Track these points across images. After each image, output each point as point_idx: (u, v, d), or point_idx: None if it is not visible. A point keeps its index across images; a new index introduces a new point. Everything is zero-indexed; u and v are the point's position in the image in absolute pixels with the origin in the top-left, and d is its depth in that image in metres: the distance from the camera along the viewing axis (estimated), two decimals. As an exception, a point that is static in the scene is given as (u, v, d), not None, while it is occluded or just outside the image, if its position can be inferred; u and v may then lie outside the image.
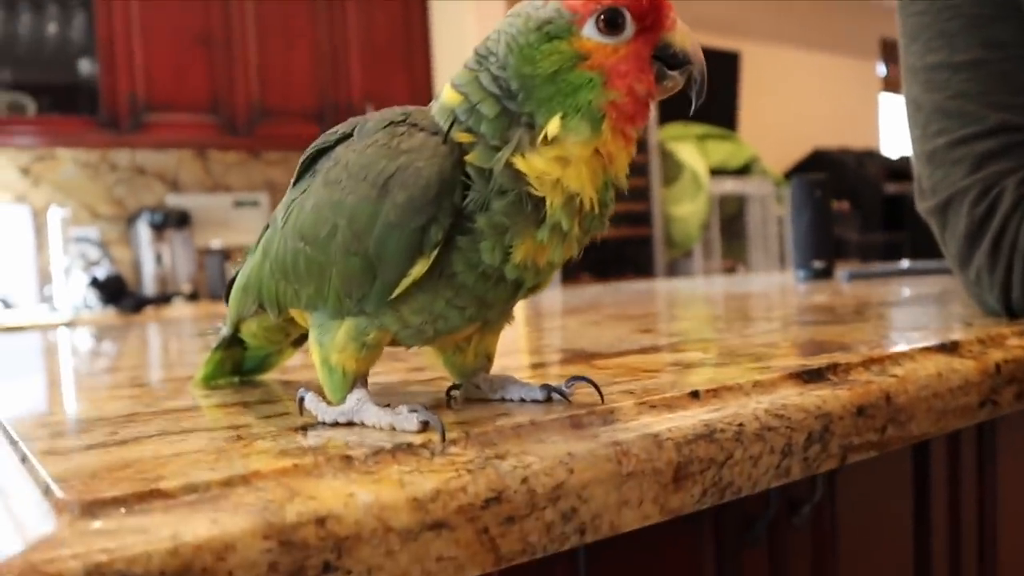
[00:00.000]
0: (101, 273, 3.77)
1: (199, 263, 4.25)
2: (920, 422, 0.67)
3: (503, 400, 0.58)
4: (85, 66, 3.79)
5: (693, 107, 0.53)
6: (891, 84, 7.72)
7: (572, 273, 4.33)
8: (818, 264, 2.01)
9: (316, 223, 0.52)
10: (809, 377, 0.63)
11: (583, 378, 0.56)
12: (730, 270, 5.34)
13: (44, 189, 4.01)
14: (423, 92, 4.57)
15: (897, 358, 0.70)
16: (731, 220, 5.49)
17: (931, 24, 0.98)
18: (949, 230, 0.97)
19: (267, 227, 0.60)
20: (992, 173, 0.93)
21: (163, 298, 3.94)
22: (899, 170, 6.28)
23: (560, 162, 0.49)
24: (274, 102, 4.15)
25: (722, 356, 0.76)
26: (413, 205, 0.49)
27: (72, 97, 3.79)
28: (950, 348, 0.75)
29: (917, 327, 1.01)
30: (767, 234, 5.50)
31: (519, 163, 0.49)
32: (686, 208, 5.07)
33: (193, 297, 4.08)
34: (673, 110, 4.55)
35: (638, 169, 4.88)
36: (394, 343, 0.55)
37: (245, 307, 0.62)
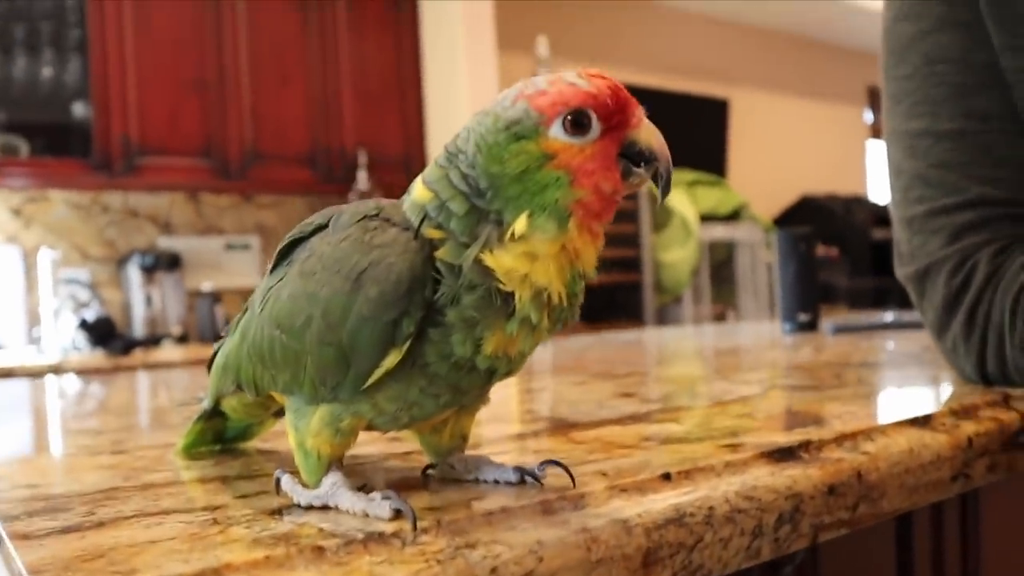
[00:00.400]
0: (90, 315, 3.77)
1: (190, 305, 4.25)
2: (892, 498, 0.68)
3: (477, 481, 0.59)
4: (79, 109, 3.81)
5: (659, 202, 0.54)
6: (878, 131, 7.78)
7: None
8: (803, 317, 2.03)
9: (292, 313, 0.54)
10: (781, 456, 0.64)
11: (555, 462, 0.57)
12: (720, 316, 5.37)
13: (35, 230, 4.02)
14: (415, 136, 4.61)
15: (869, 433, 0.71)
16: (720, 266, 5.52)
17: (916, 90, 0.99)
18: (927, 299, 0.98)
19: (245, 310, 0.61)
20: (969, 245, 0.94)
21: (152, 340, 3.93)
22: (887, 216, 6.30)
23: (528, 258, 0.50)
24: (267, 146, 4.18)
25: (699, 428, 0.77)
26: (385, 299, 0.50)
27: (65, 139, 3.81)
28: (922, 422, 0.76)
29: (893, 394, 1.02)
30: (756, 280, 5.53)
31: (488, 259, 0.50)
32: (676, 254, 5.10)
33: (183, 339, 4.07)
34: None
35: (628, 215, 4.92)
36: (370, 427, 0.56)
37: (224, 385, 0.64)
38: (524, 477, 0.57)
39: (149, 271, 4.05)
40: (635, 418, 0.83)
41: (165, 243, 4.29)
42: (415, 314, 0.50)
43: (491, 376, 0.54)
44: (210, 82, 4.05)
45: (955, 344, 0.95)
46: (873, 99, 7.70)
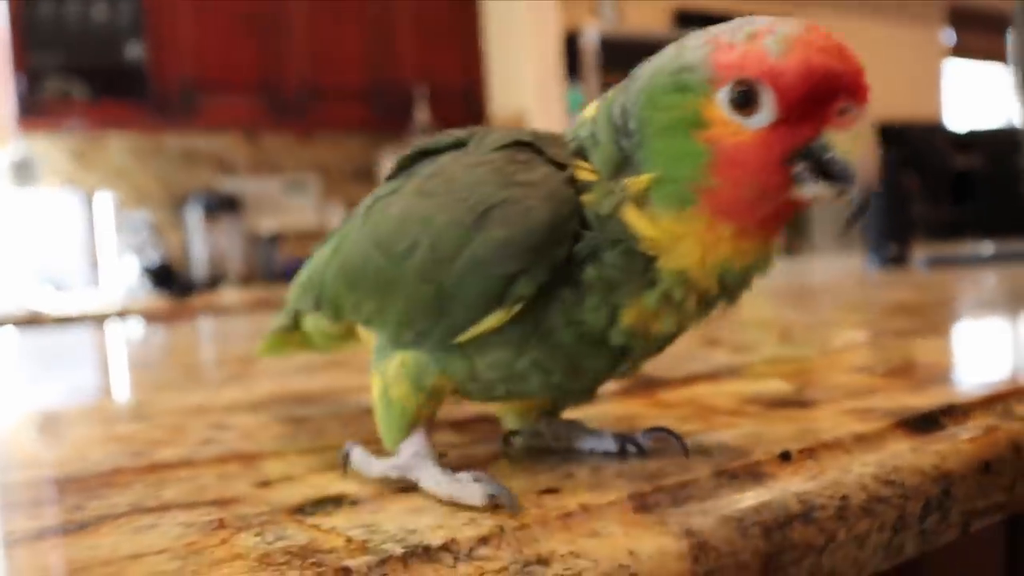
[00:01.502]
0: (151, 258, 3.74)
1: (250, 247, 4.20)
2: (1054, 474, 0.56)
3: (569, 451, 0.50)
4: (133, 49, 3.74)
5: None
6: (958, 51, 7.42)
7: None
8: (893, 250, 1.88)
9: (397, 233, 0.45)
10: (922, 425, 0.52)
11: (664, 429, 0.48)
12: (793, 249, 5.17)
13: (94, 173, 3.98)
14: (475, 68, 4.46)
15: (1021, 394, 0.58)
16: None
17: None
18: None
19: (348, 219, 0.53)
20: None
21: (212, 282, 3.90)
22: (967, 143, 6.03)
23: (667, 231, 0.41)
24: (324, 82, 4.08)
25: (807, 387, 0.65)
26: (510, 246, 0.41)
27: (121, 81, 3.75)
28: (1083, 376, 0.63)
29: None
30: (831, 211, 5.31)
31: (630, 215, 0.41)
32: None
33: (243, 282, 4.03)
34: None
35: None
36: (455, 391, 0.47)
37: (303, 303, 0.56)
38: (626, 446, 0.48)
39: (209, 213, 4.00)
40: (732, 372, 0.71)
41: (224, 184, 4.23)
42: (539, 274, 0.41)
43: (617, 362, 0.44)
44: (265, 17, 3.94)
45: None
46: (954, 18, 7.31)
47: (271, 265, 4.14)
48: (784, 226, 0.43)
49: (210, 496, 0.45)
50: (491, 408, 0.53)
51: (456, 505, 0.41)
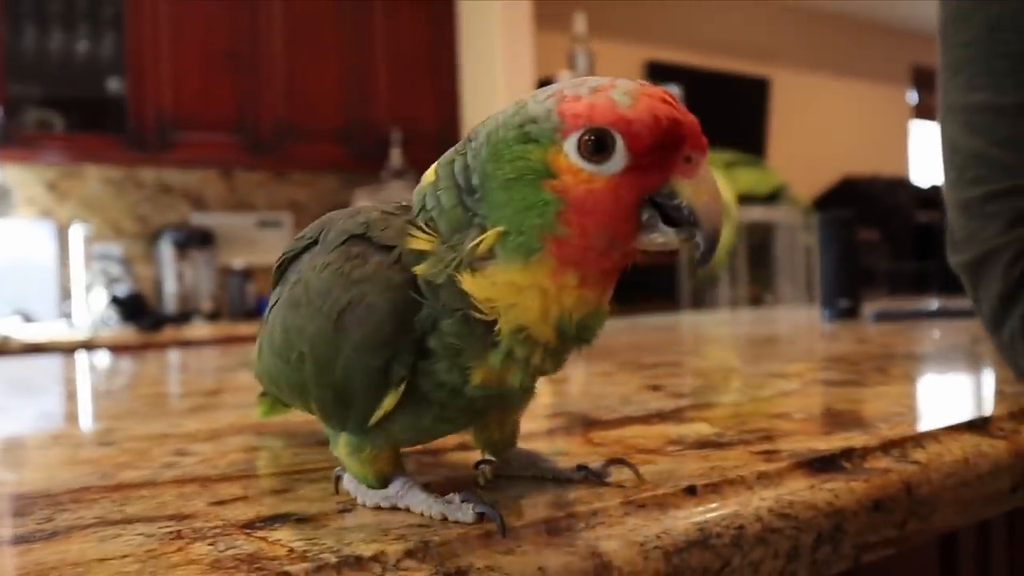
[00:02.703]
0: (122, 290, 3.76)
1: (221, 282, 4.23)
2: (945, 514, 0.61)
3: (535, 478, 0.55)
4: (114, 84, 3.79)
5: (691, 274, 0.47)
6: (922, 111, 7.61)
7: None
8: (844, 303, 1.95)
9: (285, 344, 0.49)
10: (821, 466, 0.58)
11: (621, 460, 0.53)
12: (756, 300, 5.26)
13: (69, 205, 4.01)
14: (450, 113, 4.54)
15: (919, 439, 0.64)
16: (758, 248, 5.41)
17: (977, 59, 0.90)
18: (982, 289, 0.90)
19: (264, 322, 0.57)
20: None
21: (183, 317, 3.92)
22: (930, 199, 6.17)
23: (509, 288, 0.43)
24: (300, 122, 4.14)
25: (731, 430, 0.70)
26: (369, 343, 0.44)
27: (100, 114, 3.79)
28: (979, 426, 0.69)
29: (943, 393, 0.95)
30: (795, 263, 5.41)
31: (465, 281, 0.43)
32: (713, 235, 4.99)
33: (213, 316, 4.05)
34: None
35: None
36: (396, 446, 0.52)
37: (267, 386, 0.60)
38: (586, 476, 0.53)
39: (181, 247, 4.03)
40: (662, 416, 0.77)
41: (198, 219, 4.27)
42: (406, 356, 0.44)
43: (501, 398, 0.48)
44: (243, 57, 4.01)
45: (1012, 339, 0.88)
46: (917, 79, 7.51)
47: (242, 301, 4.17)
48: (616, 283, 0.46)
49: (169, 512, 0.50)
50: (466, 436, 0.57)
51: (392, 526, 0.46)
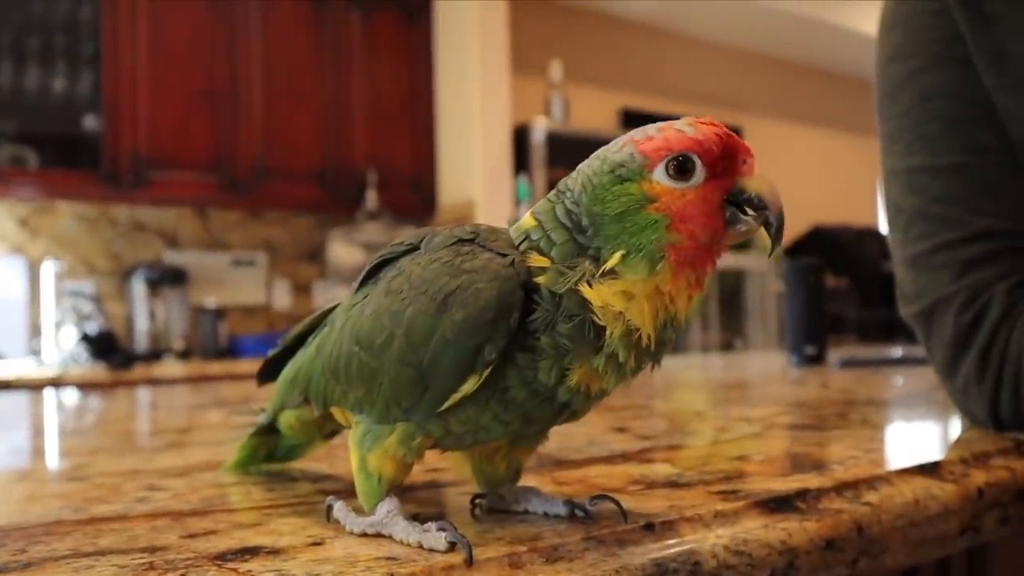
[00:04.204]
0: (93, 328, 3.74)
1: (193, 321, 4.22)
2: (895, 553, 0.64)
3: (526, 512, 0.58)
4: (90, 121, 3.80)
5: (770, 252, 0.54)
6: (893, 163, 7.73)
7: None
8: (810, 350, 1.99)
9: (373, 330, 0.54)
10: (776, 506, 0.60)
11: (607, 496, 0.56)
12: (727, 345, 5.31)
13: (41, 241, 4.00)
14: (425, 157, 4.59)
15: (872, 481, 0.66)
16: (730, 294, 5.46)
17: (912, 127, 0.96)
18: (935, 337, 0.94)
19: (323, 325, 0.63)
20: (978, 280, 0.90)
21: (154, 355, 3.90)
22: (899, 249, 6.23)
23: (624, 296, 0.50)
24: (276, 162, 4.16)
25: (691, 470, 0.72)
26: (470, 324, 0.49)
27: (75, 151, 3.80)
28: (929, 470, 0.71)
29: (899, 437, 0.98)
30: (765, 309, 5.47)
31: (585, 291, 0.50)
32: (685, 281, 5.04)
33: (184, 355, 4.04)
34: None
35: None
36: (433, 445, 0.56)
37: (290, 398, 0.65)
38: (574, 511, 0.56)
39: (154, 285, 4.03)
40: (626, 457, 0.79)
41: (171, 258, 4.27)
42: (499, 342, 0.50)
43: (562, 412, 0.53)
44: (221, 96, 4.04)
45: (966, 385, 0.91)
46: (888, 130, 7.64)
47: (214, 340, 4.15)
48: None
49: (142, 544, 0.51)
50: (464, 475, 0.61)
51: (360, 558, 0.47)
